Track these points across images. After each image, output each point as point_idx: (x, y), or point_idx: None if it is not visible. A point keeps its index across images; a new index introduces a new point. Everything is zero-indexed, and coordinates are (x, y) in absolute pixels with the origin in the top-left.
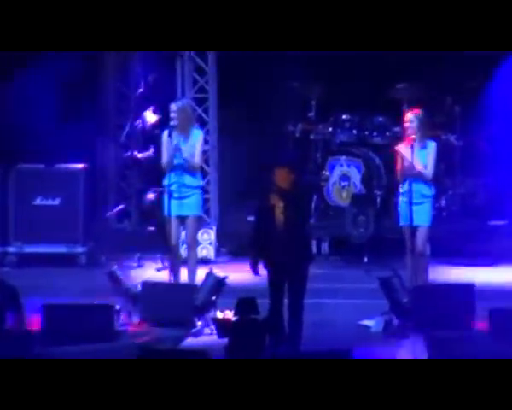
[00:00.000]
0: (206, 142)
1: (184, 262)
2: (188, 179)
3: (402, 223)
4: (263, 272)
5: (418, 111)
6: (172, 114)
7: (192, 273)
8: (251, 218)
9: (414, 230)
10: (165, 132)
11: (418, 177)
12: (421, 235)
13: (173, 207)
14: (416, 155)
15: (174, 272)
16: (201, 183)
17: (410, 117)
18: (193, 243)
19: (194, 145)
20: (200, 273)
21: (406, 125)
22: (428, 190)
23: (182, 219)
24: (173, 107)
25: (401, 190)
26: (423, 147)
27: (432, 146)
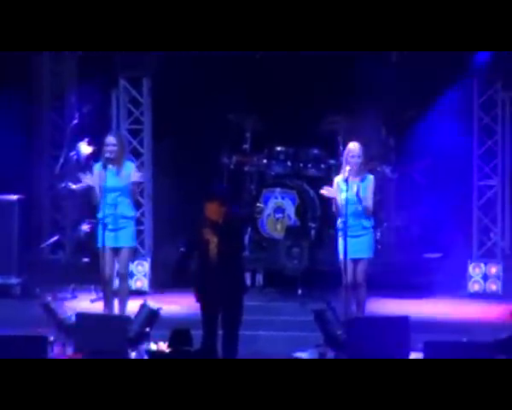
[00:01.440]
0: None
1: (116, 293)
2: (122, 211)
3: (341, 256)
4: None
5: (352, 145)
6: (110, 147)
7: (123, 304)
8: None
9: (354, 262)
10: (98, 164)
11: (357, 210)
12: (361, 267)
13: (108, 239)
14: (354, 187)
15: (107, 303)
16: (135, 214)
17: (346, 152)
18: (125, 274)
19: (128, 176)
20: (135, 305)
21: (349, 158)
22: (368, 222)
23: (115, 251)
24: (111, 139)
25: (339, 224)
26: (361, 179)
27: (370, 179)
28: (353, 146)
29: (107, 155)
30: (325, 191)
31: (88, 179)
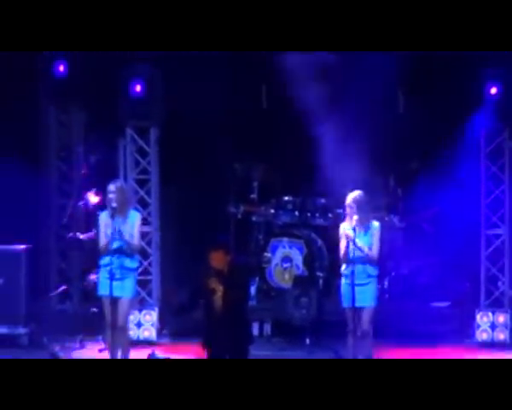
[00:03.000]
0: (148, 223)
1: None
2: (126, 262)
3: (345, 305)
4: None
5: (356, 194)
6: (111, 195)
7: (125, 355)
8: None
9: (358, 311)
10: (103, 214)
11: (363, 258)
12: (366, 316)
13: (108, 288)
14: (360, 236)
15: (111, 351)
16: (138, 265)
17: (349, 201)
18: (124, 326)
19: (133, 227)
20: (143, 354)
21: (347, 209)
22: (373, 270)
23: (115, 300)
24: (111, 187)
25: (344, 272)
26: (367, 228)
27: (375, 227)
28: (351, 195)
29: (112, 203)
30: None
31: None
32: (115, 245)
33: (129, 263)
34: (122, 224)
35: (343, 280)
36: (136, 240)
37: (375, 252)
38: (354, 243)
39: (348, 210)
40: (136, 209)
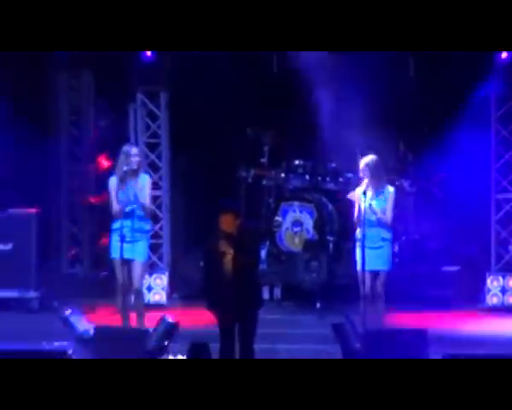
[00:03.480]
0: (158, 187)
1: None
2: (139, 225)
3: (359, 268)
4: None
5: (370, 158)
6: (136, 158)
7: (140, 319)
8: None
9: (373, 274)
10: (112, 178)
11: (376, 222)
12: (380, 279)
13: (121, 251)
14: (374, 200)
15: (123, 315)
16: (150, 228)
17: (362, 166)
18: (140, 289)
19: (144, 189)
20: (153, 318)
21: (360, 173)
22: (387, 234)
23: (128, 263)
24: (134, 150)
25: (358, 236)
26: (381, 192)
27: (390, 191)
28: (365, 159)
29: (134, 166)
30: (351, 196)
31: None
32: (128, 209)
33: (142, 226)
34: (134, 187)
35: (357, 244)
36: (147, 203)
37: (388, 216)
38: (370, 207)
39: (362, 174)
40: (147, 173)
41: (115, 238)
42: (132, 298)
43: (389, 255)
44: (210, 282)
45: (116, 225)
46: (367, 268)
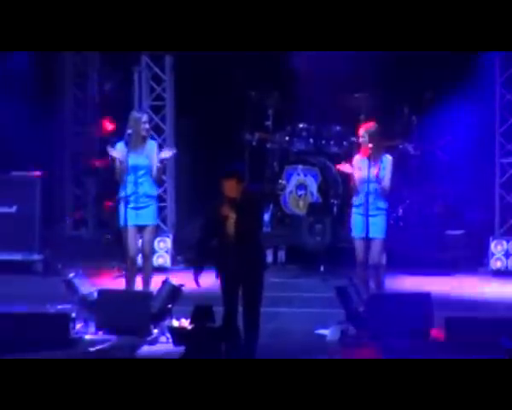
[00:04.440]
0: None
1: (139, 271)
2: (145, 189)
3: (355, 235)
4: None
5: (370, 125)
6: (146, 125)
7: (147, 282)
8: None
9: (369, 242)
10: (120, 144)
11: (373, 190)
12: (376, 247)
13: (131, 217)
14: (371, 168)
15: (130, 280)
16: (157, 192)
17: (362, 132)
18: (149, 253)
19: (151, 155)
20: (157, 281)
21: (359, 139)
22: (383, 204)
23: (139, 229)
24: (145, 117)
25: (355, 203)
26: (379, 160)
27: (387, 159)
28: (363, 126)
29: (144, 132)
30: (341, 166)
31: (115, 153)
32: (139, 174)
33: (151, 191)
34: (142, 153)
35: (353, 210)
36: (155, 168)
37: (386, 184)
38: (366, 173)
39: (361, 140)
40: (151, 137)
41: (123, 205)
42: (141, 262)
43: (384, 224)
44: (206, 244)
45: (123, 191)
46: (362, 235)
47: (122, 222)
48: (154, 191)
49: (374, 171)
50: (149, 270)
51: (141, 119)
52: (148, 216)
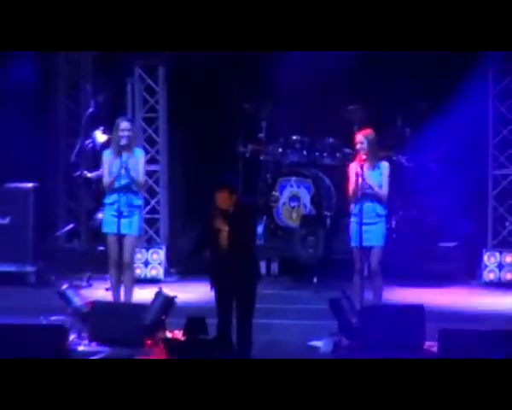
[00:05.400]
0: (156, 162)
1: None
2: (132, 199)
3: (353, 244)
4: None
5: (368, 132)
6: (125, 132)
7: (129, 293)
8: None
9: (367, 250)
10: (106, 152)
11: (372, 197)
12: (375, 255)
13: (112, 226)
14: (369, 174)
15: (114, 290)
16: (142, 203)
17: (361, 138)
18: (129, 263)
19: (138, 164)
20: (149, 293)
21: (357, 146)
22: (382, 210)
23: (120, 238)
24: (125, 125)
25: (353, 211)
26: (376, 167)
27: (385, 166)
28: (360, 133)
29: (123, 140)
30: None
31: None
32: (122, 182)
33: (135, 200)
34: (128, 161)
35: (352, 219)
36: (141, 177)
37: (384, 190)
38: (363, 180)
39: (358, 147)
40: (142, 147)
41: (108, 213)
42: (123, 273)
43: (383, 231)
44: (200, 255)
45: (108, 199)
46: (359, 244)
47: (104, 230)
48: (138, 201)
49: (371, 178)
50: (130, 280)
51: (119, 125)
52: (131, 225)
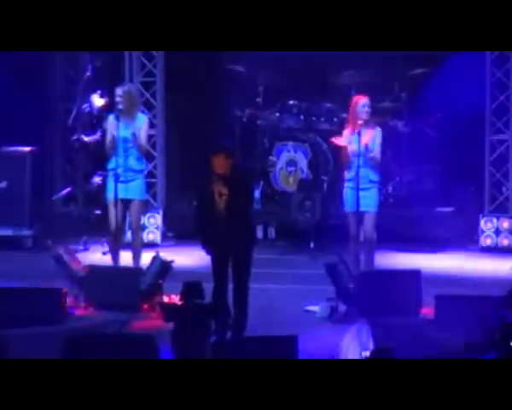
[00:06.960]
0: (153, 126)
1: (128, 246)
2: (133, 163)
3: (348, 209)
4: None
5: (366, 98)
6: (118, 98)
7: (137, 257)
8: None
9: (361, 216)
10: (111, 117)
11: (366, 162)
12: (369, 221)
13: (118, 191)
14: (363, 140)
15: (115, 256)
16: (145, 167)
17: (352, 104)
18: (137, 228)
19: (140, 129)
20: (147, 257)
21: (353, 111)
22: (375, 176)
23: (126, 203)
24: (118, 91)
25: (347, 176)
26: (372, 133)
27: (378, 131)
28: (364, 98)
29: (119, 106)
30: (336, 140)
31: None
32: (124, 148)
33: (137, 165)
34: (130, 126)
35: (346, 184)
36: (143, 142)
37: (377, 155)
38: (359, 144)
39: (351, 112)
40: (142, 112)
41: (111, 178)
42: (130, 238)
43: (377, 197)
44: (203, 222)
45: (111, 164)
46: (354, 209)
47: (108, 195)
48: (141, 166)
49: (364, 143)
50: (138, 245)
51: (115, 92)
52: (135, 190)
